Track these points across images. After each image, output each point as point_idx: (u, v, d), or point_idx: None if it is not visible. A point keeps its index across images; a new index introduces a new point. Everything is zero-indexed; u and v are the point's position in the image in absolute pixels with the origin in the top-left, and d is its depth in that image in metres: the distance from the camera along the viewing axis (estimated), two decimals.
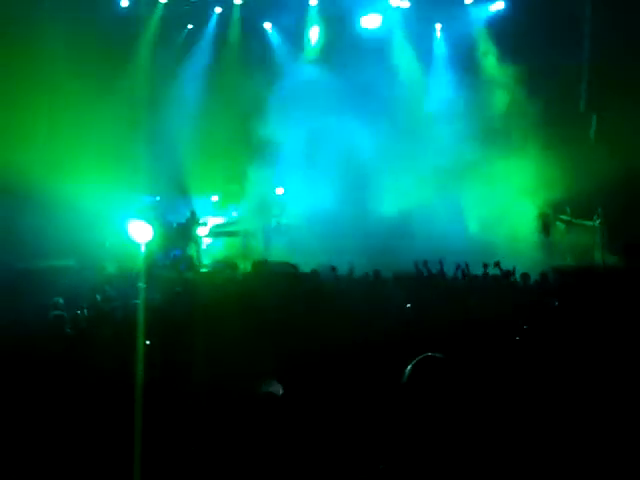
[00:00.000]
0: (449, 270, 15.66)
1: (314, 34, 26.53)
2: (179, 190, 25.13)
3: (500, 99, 24.70)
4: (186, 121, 24.62)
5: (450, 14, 25.83)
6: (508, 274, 15.40)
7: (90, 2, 24.43)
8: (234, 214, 25.77)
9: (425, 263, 15.31)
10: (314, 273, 16.47)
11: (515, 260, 17.26)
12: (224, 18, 26.78)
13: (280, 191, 25.86)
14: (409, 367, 3.77)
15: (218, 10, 26.83)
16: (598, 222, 22.80)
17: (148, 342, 8.75)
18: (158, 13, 26.22)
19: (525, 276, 15.68)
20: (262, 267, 18.90)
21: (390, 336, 9.58)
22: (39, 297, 13.46)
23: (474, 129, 23.32)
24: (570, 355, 8.71)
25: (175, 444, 6.87)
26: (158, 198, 25.30)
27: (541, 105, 23.51)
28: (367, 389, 7.85)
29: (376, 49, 25.01)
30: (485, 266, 15.81)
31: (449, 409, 3.61)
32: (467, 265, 15.34)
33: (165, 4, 26.21)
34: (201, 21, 26.80)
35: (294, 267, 19.22)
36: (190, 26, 26.80)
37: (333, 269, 16.46)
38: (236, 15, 26.66)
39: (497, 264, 15.61)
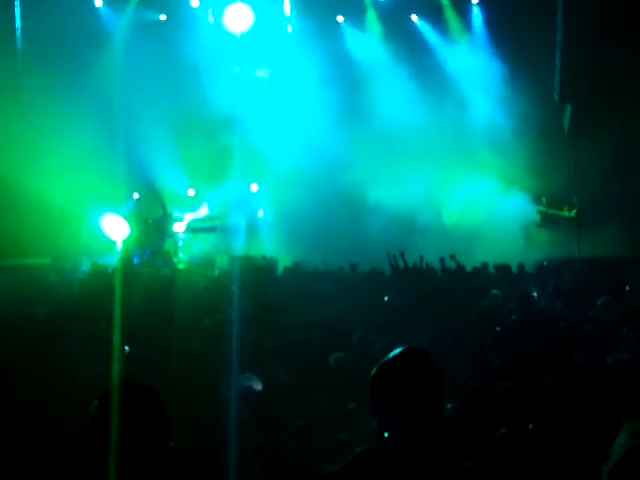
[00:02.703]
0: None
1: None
2: (154, 185, 25.00)
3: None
4: (161, 116, 24.47)
5: None
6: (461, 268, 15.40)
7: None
8: (214, 207, 25.58)
9: (402, 254, 15.25)
10: (295, 266, 16.46)
11: (493, 252, 17.38)
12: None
13: (254, 187, 25.79)
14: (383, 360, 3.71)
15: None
16: (573, 212, 22.91)
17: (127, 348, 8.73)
18: (131, 9, 26.04)
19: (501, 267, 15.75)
20: (239, 262, 18.82)
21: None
22: (14, 295, 13.39)
23: (448, 123, 23.20)
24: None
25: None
26: (137, 195, 25.16)
27: (515, 95, 23.58)
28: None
29: None
30: (442, 260, 15.81)
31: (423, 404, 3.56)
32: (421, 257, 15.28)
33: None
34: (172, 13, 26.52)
35: (272, 262, 19.22)
36: (163, 17, 26.42)
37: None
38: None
39: (452, 257, 15.61)
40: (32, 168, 21.08)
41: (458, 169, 23.61)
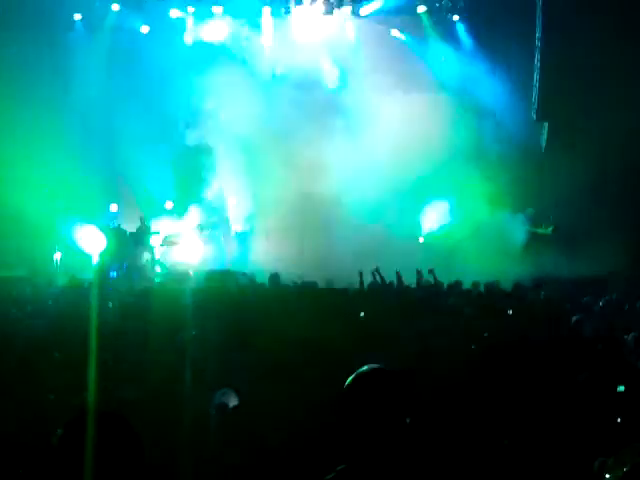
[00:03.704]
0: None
1: None
2: (132, 197, 24.92)
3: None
4: (139, 126, 24.43)
5: None
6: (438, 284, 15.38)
7: (43, 15, 24.24)
8: (191, 220, 25.51)
9: (377, 270, 15.23)
10: (271, 280, 16.41)
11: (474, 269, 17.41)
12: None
13: (232, 201, 25.77)
14: (350, 377, 3.79)
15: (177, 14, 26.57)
16: (550, 229, 23.03)
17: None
18: (110, 22, 26.06)
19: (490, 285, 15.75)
20: (215, 276, 18.77)
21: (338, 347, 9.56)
22: None
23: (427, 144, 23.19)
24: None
25: None
26: (114, 207, 25.07)
27: (495, 112, 23.72)
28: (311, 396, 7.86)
29: None
30: (419, 272, 15.80)
31: (389, 420, 3.63)
32: (398, 273, 15.26)
33: (117, 12, 26.04)
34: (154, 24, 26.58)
35: (249, 276, 19.17)
36: (145, 29, 26.47)
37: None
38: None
39: (431, 271, 15.59)
40: (5, 178, 20.98)
41: (437, 185, 23.68)
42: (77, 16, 25.95)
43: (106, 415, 3.26)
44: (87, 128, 24.03)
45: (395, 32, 26.34)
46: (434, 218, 24.12)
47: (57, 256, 22.26)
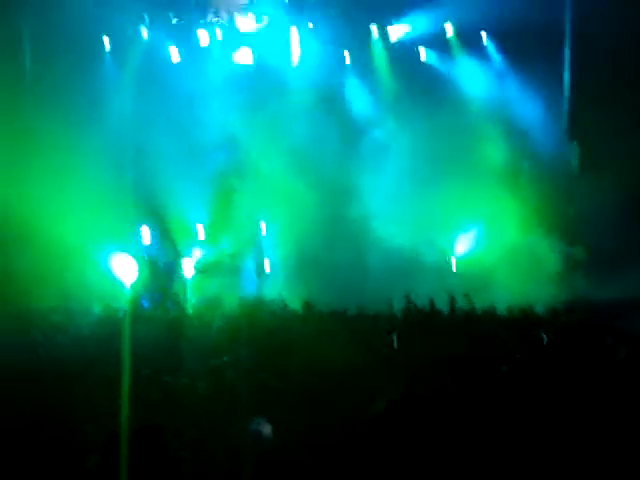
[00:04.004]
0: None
1: None
2: (164, 226, 25.06)
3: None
4: (170, 155, 24.59)
5: None
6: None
7: (76, 44, 24.58)
8: (223, 248, 25.58)
9: (407, 297, 15.18)
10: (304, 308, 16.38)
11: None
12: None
13: (263, 228, 25.81)
14: (384, 402, 3.79)
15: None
16: (583, 251, 22.81)
17: None
18: (139, 47, 26.38)
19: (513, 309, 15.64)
20: (248, 304, 18.81)
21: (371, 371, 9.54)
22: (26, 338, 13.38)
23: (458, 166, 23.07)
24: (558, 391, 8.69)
25: None
26: (146, 234, 25.20)
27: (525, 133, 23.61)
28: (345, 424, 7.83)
29: None
30: (451, 298, 15.67)
31: (426, 445, 3.62)
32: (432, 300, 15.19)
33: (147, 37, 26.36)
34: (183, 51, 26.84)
35: (280, 304, 19.15)
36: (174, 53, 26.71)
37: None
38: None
39: (466, 296, 15.48)
40: (38, 207, 21.15)
41: (467, 206, 23.55)
42: (106, 42, 26.25)
43: (141, 439, 3.28)
44: (118, 155, 24.22)
45: (422, 51, 26.34)
46: (465, 241, 23.99)
47: (91, 285, 22.37)
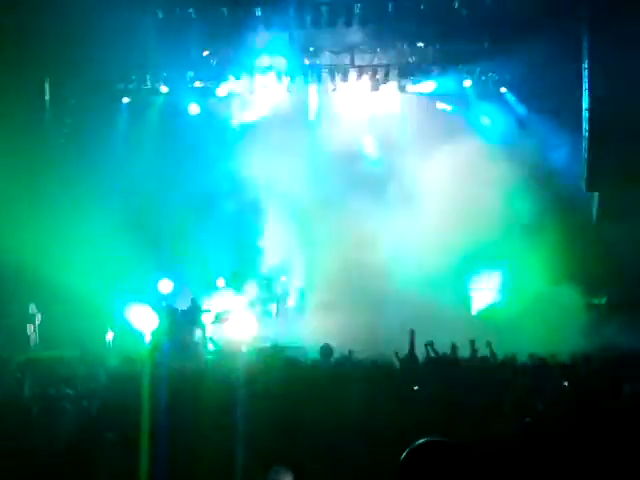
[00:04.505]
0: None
1: None
2: (183, 276, 25.18)
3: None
4: (189, 206, 24.76)
5: None
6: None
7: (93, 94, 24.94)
8: (233, 297, 25.53)
9: (431, 344, 15.07)
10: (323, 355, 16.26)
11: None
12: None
13: (283, 277, 25.88)
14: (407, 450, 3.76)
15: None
16: (604, 300, 22.68)
17: None
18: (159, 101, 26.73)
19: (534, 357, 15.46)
20: (267, 353, 18.69)
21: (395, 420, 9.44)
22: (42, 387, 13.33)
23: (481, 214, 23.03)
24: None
25: None
26: (165, 284, 25.29)
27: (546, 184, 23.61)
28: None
29: None
30: (472, 344, 15.51)
31: None
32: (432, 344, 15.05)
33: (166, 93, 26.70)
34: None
35: (301, 351, 19.03)
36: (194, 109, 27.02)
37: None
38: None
39: (489, 344, 15.32)
40: (56, 258, 21.26)
41: (488, 255, 23.51)
42: (125, 100, 26.67)
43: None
44: (136, 206, 24.43)
45: (440, 104, 26.52)
46: (486, 290, 23.89)
47: (109, 335, 22.39)
